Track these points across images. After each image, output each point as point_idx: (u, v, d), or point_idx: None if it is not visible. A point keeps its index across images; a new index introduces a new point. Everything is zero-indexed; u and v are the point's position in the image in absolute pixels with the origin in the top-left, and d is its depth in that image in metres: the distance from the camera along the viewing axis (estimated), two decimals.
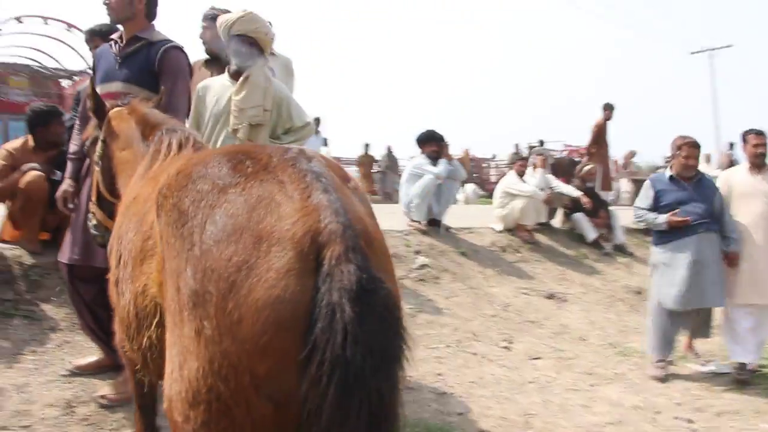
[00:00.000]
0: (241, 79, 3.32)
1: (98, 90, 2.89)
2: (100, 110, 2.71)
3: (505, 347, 5.19)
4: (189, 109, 3.48)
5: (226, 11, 3.77)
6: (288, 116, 3.48)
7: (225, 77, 3.50)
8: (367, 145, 17.31)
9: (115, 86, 3.24)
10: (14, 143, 4.81)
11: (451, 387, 4.14)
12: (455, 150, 12.38)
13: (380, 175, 16.82)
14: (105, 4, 3.27)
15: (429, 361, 4.50)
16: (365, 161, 17.03)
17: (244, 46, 3.33)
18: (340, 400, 1.22)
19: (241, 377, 1.29)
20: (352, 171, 14.85)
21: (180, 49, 3.37)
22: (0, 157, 4.61)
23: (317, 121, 11.04)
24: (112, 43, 3.39)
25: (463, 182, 11.72)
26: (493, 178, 18.72)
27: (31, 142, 4.67)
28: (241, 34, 3.32)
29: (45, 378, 3.53)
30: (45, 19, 16.30)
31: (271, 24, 3.60)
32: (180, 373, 1.38)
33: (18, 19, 16.00)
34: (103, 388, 3.40)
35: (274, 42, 3.61)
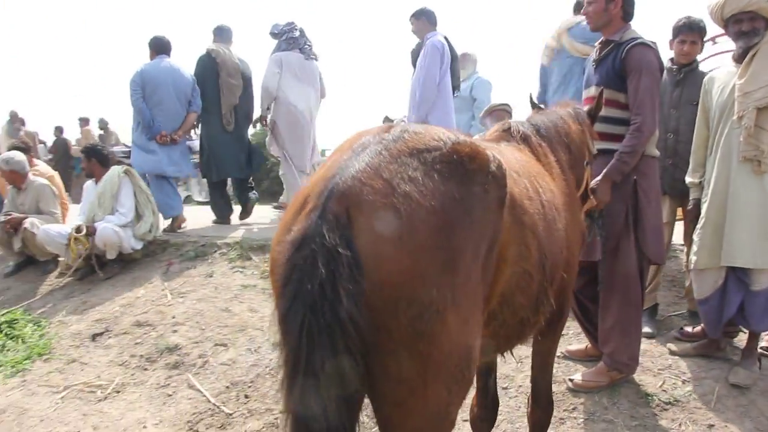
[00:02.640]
0: (745, 60, 3.04)
1: (583, 95, 3.12)
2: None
3: None
4: (656, 104, 3.33)
5: None
6: None
7: (731, 65, 3.23)
8: None
9: (593, 91, 3.41)
10: None
11: None
12: None
13: None
14: (584, 14, 3.47)
15: None
16: None
17: (743, 25, 3.02)
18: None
19: None
20: None
21: (645, 44, 3.24)
22: None
23: None
24: (596, 49, 3.54)
25: None
26: None
27: None
28: (736, 13, 3.00)
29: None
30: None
31: None
32: None
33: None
34: (576, 374, 3.63)
35: None
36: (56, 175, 7.56)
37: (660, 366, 3.71)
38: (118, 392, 4.04)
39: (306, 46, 6.74)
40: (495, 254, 1.55)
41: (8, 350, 4.77)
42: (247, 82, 6.96)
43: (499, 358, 3.89)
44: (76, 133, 15.37)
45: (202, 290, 5.34)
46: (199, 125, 7.17)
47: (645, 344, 3.99)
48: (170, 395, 3.97)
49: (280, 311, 1.32)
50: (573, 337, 4.19)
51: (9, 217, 6.28)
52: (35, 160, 7.72)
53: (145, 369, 4.32)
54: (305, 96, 6.81)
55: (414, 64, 6.36)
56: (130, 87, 6.45)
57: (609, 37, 3.42)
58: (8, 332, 5.00)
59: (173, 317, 4.97)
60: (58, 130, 15.09)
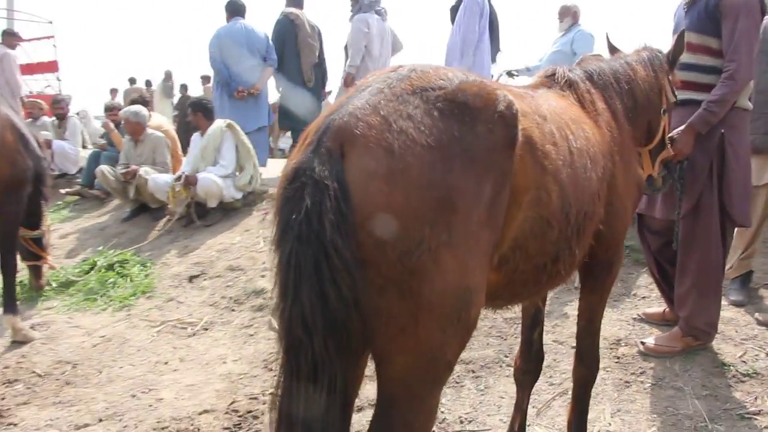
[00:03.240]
0: None
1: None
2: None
3: None
4: (753, 51, 3.01)
5: None
6: None
7: None
8: None
9: (687, 38, 3.14)
10: None
11: None
12: None
13: None
14: None
15: None
16: None
17: None
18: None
19: None
20: None
21: None
22: None
23: None
24: None
25: None
26: None
27: None
28: None
29: (615, 316, 3.86)
30: None
31: None
32: None
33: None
34: (649, 337, 3.47)
35: None
36: (171, 129, 8.13)
37: (744, 336, 3.47)
38: (206, 329, 4.38)
39: (381, 8, 6.91)
40: (506, 197, 1.51)
41: (118, 287, 5.28)
42: (321, 43, 7.33)
43: (571, 317, 3.84)
44: (199, 91, 16.24)
45: None
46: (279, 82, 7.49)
47: (732, 312, 3.74)
48: (251, 335, 4.24)
49: (273, 242, 1.38)
50: (655, 301, 4.00)
51: (127, 168, 6.86)
52: (153, 113, 8.35)
53: (233, 310, 4.63)
54: (384, 56, 6.98)
55: (453, 21, 6.27)
56: (208, 49, 6.90)
57: None
58: (119, 271, 5.52)
59: (263, 263, 5.26)
60: (183, 88, 16.02)
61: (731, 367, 3.21)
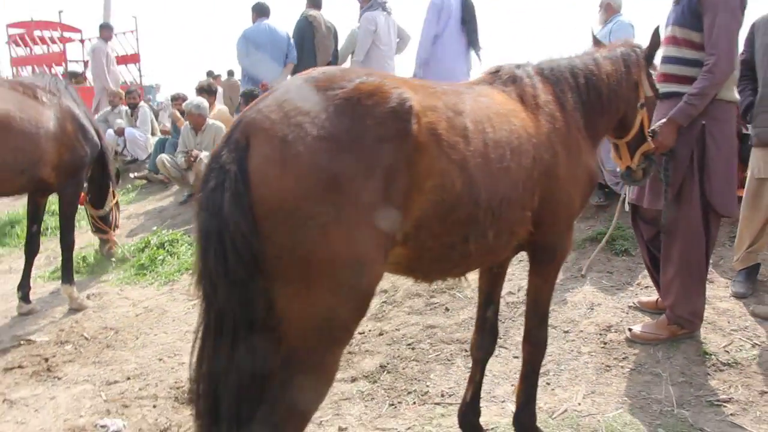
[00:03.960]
0: None
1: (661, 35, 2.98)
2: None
3: None
4: (734, 45, 3.02)
5: None
6: None
7: None
8: None
9: (669, 30, 3.20)
10: None
11: None
12: None
13: None
14: None
15: None
16: None
17: None
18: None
19: None
20: None
21: None
22: None
23: None
24: None
25: None
26: None
27: None
28: None
29: (612, 304, 3.95)
30: None
31: None
32: None
33: None
34: (638, 324, 3.55)
35: None
36: (232, 119, 8.67)
37: (734, 327, 3.49)
38: None
39: (387, 5, 7.29)
40: (403, 181, 1.73)
41: (166, 264, 5.79)
42: (336, 42, 7.81)
43: (570, 303, 3.96)
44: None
45: None
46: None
47: (729, 303, 3.75)
48: None
49: (193, 214, 1.68)
50: (653, 289, 4.04)
51: (190, 152, 7.41)
52: (216, 104, 8.91)
53: None
54: (391, 50, 7.36)
55: None
56: (236, 47, 7.47)
57: None
58: (169, 249, 6.04)
59: None
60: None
61: (713, 356, 3.26)
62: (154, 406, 3.35)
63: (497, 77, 2.41)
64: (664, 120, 3.11)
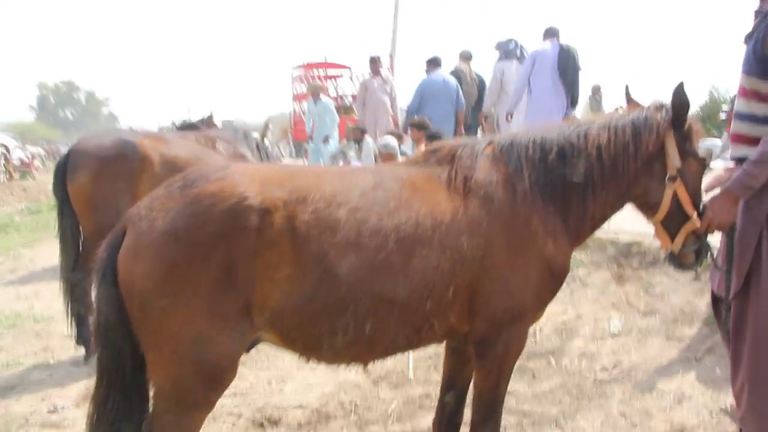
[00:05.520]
0: None
1: None
2: None
3: None
4: None
5: None
6: None
7: None
8: None
9: (742, 80, 2.56)
10: None
11: None
12: None
13: None
14: None
15: None
16: None
17: None
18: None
19: None
20: None
21: None
22: None
23: None
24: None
25: None
26: None
27: None
28: None
29: (705, 400, 3.26)
30: None
31: None
32: None
33: None
34: None
35: None
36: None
37: None
38: None
39: (520, 51, 8.30)
40: (247, 274, 1.87)
41: None
42: (481, 90, 8.94)
43: (657, 391, 3.40)
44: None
45: None
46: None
47: None
48: None
49: None
50: None
51: None
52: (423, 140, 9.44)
53: None
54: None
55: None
56: (413, 96, 8.33)
57: (763, 3, 2.54)
58: None
59: None
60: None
61: None
62: None
63: (433, 156, 2.32)
64: (717, 192, 2.55)
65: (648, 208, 2.49)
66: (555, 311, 4.51)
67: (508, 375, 2.38)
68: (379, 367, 4.31)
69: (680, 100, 2.39)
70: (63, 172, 4.56)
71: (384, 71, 10.60)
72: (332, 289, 1.97)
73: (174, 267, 1.86)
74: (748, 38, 2.58)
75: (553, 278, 2.30)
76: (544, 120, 6.34)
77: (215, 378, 1.98)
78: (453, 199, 2.16)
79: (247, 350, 2.10)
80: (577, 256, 5.00)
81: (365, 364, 2.29)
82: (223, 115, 32.08)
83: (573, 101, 7.35)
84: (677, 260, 2.55)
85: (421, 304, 2.09)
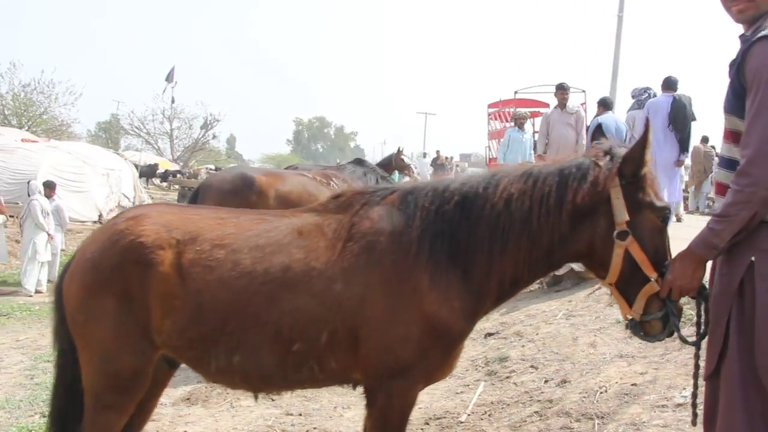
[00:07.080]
0: None
1: None
2: None
3: None
4: None
5: None
6: None
7: None
8: None
9: (724, 121, 2.23)
10: None
11: None
12: None
13: None
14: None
15: None
16: None
17: None
18: None
19: None
20: None
21: None
22: None
23: None
24: None
25: None
26: None
27: None
28: None
29: None
30: None
31: None
32: None
33: None
34: None
35: None
36: None
37: None
38: None
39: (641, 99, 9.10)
40: (143, 301, 2.24)
41: None
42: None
43: None
44: None
45: None
46: None
47: None
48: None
49: None
50: None
51: None
52: None
53: None
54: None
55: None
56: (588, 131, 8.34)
57: (746, 31, 2.19)
58: None
59: None
60: None
61: None
62: None
63: (333, 203, 2.43)
64: (680, 252, 2.22)
65: (599, 268, 2.28)
66: (631, 372, 4.07)
67: (398, 430, 2.32)
68: (425, 408, 4.37)
69: (632, 153, 2.20)
70: (193, 204, 5.42)
71: (571, 103, 10.11)
72: (205, 321, 2.25)
73: (89, 290, 2.33)
74: (731, 67, 2.25)
75: (438, 337, 2.22)
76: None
77: (120, 387, 2.38)
78: (332, 247, 2.26)
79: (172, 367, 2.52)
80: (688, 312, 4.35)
81: (255, 393, 2.47)
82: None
83: (683, 148, 8.38)
84: (639, 329, 2.29)
85: (290, 345, 2.23)
